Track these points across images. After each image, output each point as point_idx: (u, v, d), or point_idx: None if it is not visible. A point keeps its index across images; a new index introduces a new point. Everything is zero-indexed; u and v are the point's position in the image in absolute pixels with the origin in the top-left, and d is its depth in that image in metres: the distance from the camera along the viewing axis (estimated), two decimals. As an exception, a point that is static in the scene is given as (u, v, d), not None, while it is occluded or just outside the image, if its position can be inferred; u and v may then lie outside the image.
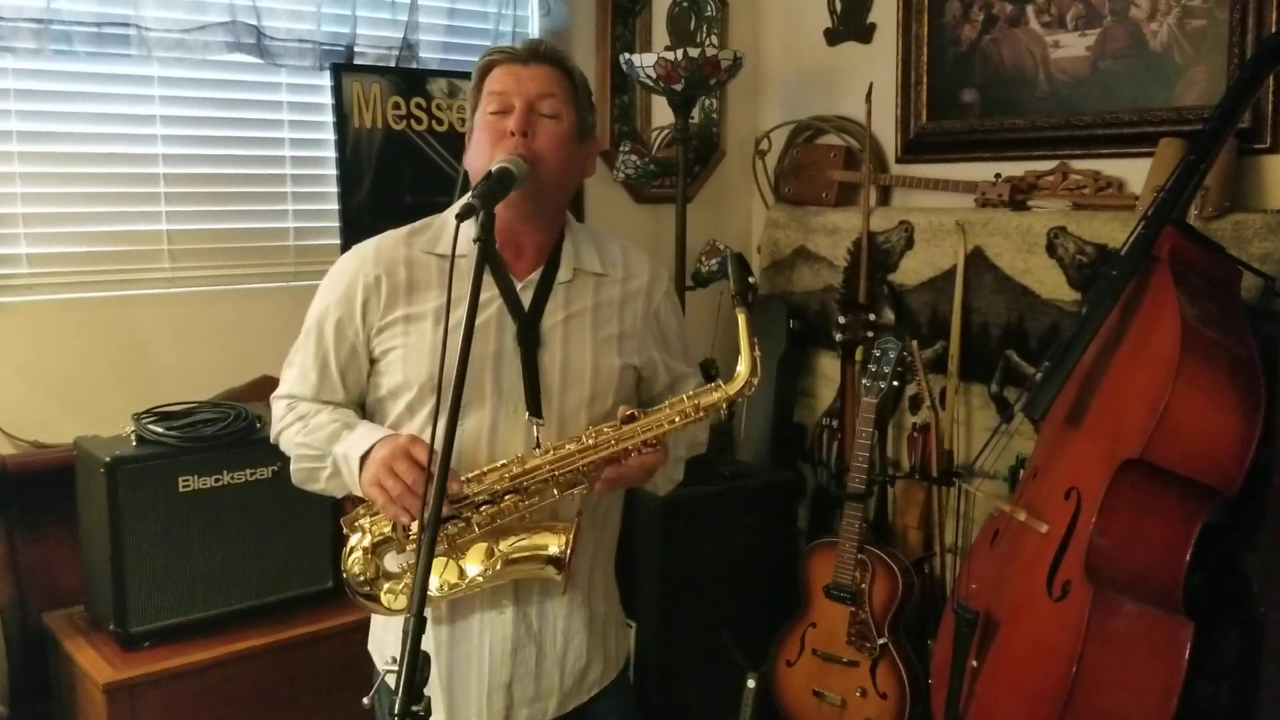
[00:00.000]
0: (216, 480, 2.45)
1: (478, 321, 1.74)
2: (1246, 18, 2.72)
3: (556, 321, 1.82)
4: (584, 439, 1.73)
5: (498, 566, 1.74)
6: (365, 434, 1.76)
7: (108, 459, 2.33)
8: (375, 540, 1.76)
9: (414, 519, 1.67)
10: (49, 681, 2.56)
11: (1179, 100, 2.87)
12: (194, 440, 2.44)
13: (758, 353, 1.71)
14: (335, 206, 2.95)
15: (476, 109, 1.82)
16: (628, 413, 1.73)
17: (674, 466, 1.91)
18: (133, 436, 2.44)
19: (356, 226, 2.87)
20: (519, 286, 1.82)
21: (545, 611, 1.85)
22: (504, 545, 1.74)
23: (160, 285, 2.78)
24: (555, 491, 1.73)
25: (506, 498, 1.72)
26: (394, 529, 1.74)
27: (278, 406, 1.91)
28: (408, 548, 1.74)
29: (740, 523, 3.23)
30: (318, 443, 1.80)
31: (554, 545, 1.74)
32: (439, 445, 1.43)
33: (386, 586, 1.77)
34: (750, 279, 1.74)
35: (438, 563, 1.73)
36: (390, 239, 1.86)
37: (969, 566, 2.67)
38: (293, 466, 1.86)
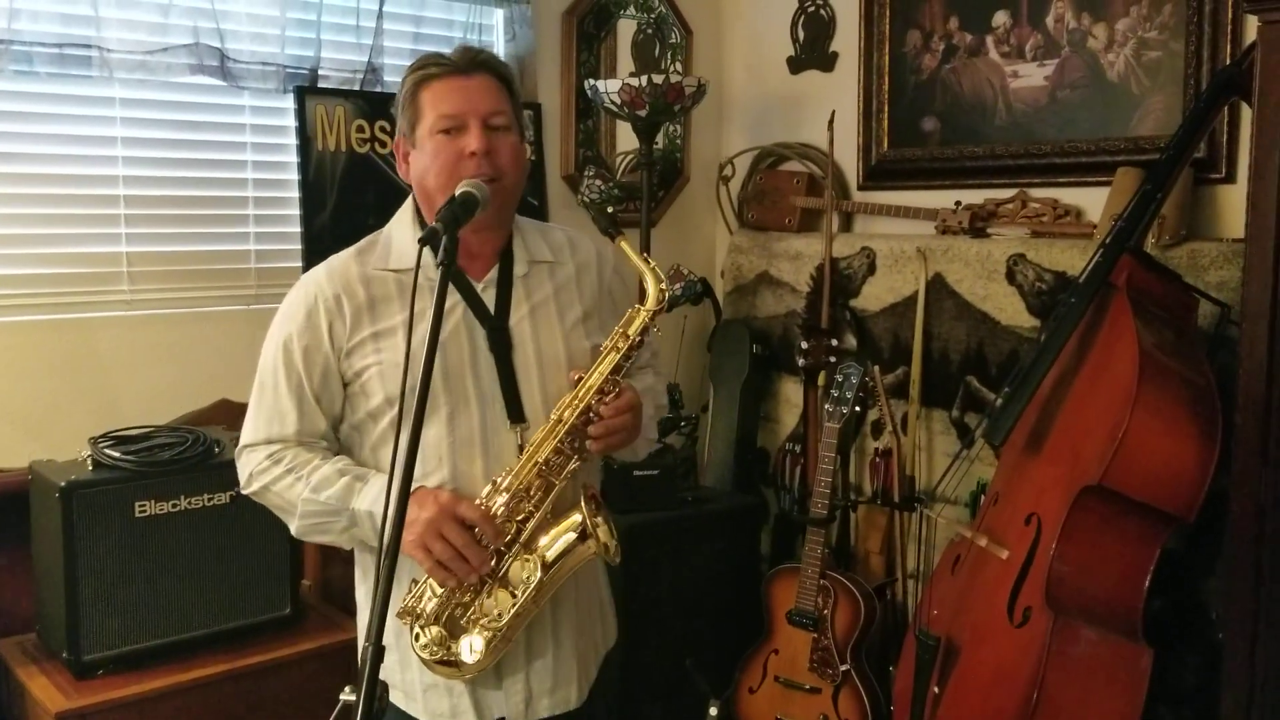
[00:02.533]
0: (174, 505, 2.42)
1: (447, 330, 1.78)
2: (1201, 50, 2.77)
3: (523, 315, 1.84)
4: (550, 421, 1.75)
5: (537, 573, 1.74)
6: (384, 490, 1.73)
7: (63, 483, 2.30)
8: (435, 611, 1.76)
9: (462, 584, 1.72)
10: (0, 710, 2.51)
11: (1136, 130, 2.92)
12: (151, 465, 2.41)
13: (653, 263, 1.79)
14: (297, 229, 2.93)
15: (416, 124, 1.81)
16: (575, 376, 1.78)
17: (649, 425, 1.93)
18: (89, 461, 2.41)
19: (318, 249, 2.84)
20: (479, 288, 1.84)
21: (559, 601, 1.84)
22: (536, 552, 1.76)
23: (119, 307, 2.75)
24: (555, 480, 1.75)
25: (519, 509, 1.75)
26: (445, 597, 1.76)
27: (253, 457, 1.82)
28: (468, 613, 1.76)
29: (703, 548, 3.23)
30: (331, 498, 1.75)
31: (574, 525, 1.76)
32: (401, 458, 1.43)
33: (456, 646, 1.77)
34: (609, 209, 1.81)
35: (490, 597, 1.76)
36: (339, 261, 1.86)
37: (930, 592, 2.68)
38: (299, 520, 1.79)
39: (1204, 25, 2.75)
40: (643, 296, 1.79)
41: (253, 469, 1.82)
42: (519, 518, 1.75)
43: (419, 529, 1.67)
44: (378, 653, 1.28)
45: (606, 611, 2.03)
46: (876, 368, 3.28)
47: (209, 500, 2.46)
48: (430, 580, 1.74)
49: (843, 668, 2.94)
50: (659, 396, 2.04)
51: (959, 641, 2.51)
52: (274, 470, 1.80)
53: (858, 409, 3.04)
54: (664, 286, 1.78)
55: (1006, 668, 2.37)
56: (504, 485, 1.74)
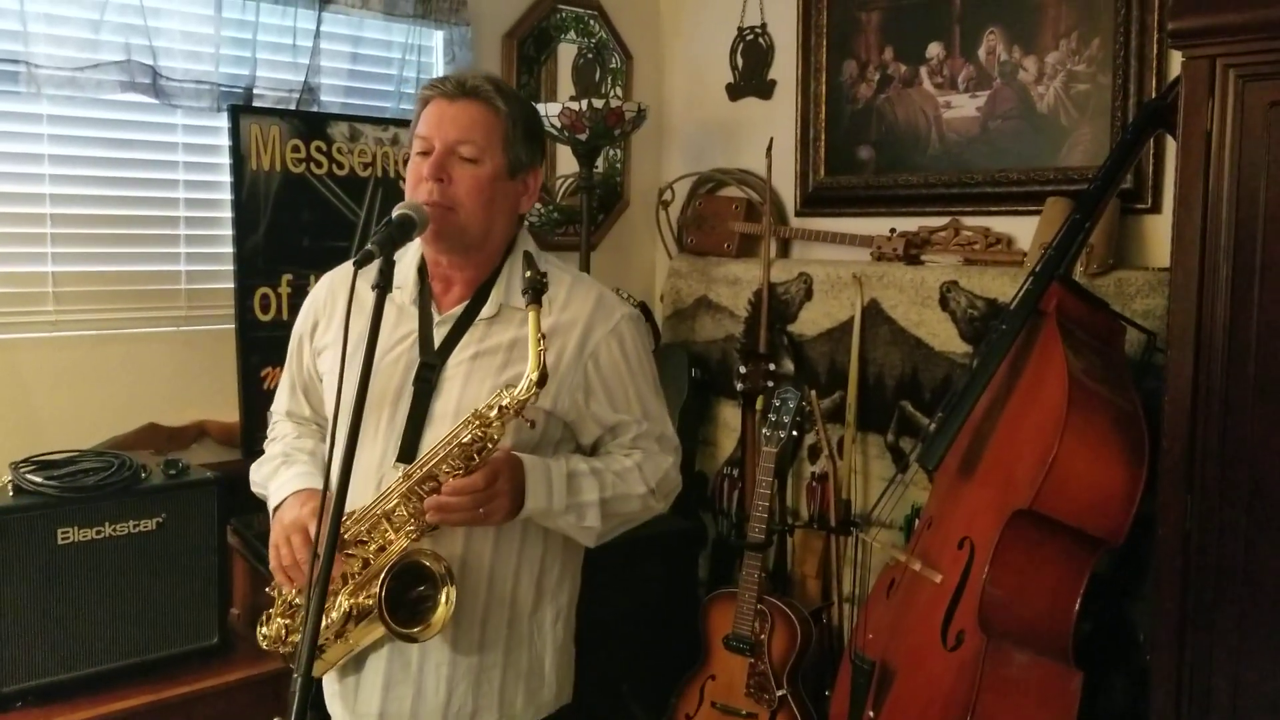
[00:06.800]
0: (98, 532, 2.36)
1: (391, 356, 1.80)
2: (1128, 83, 2.84)
3: (463, 359, 1.79)
4: (400, 474, 1.71)
5: (340, 616, 1.71)
6: (288, 481, 1.84)
7: (-19, 510, 2.23)
8: (284, 605, 1.85)
9: (291, 589, 1.80)
10: (-89, 745, 2.43)
11: (1065, 161, 2.98)
12: (74, 490, 2.34)
13: (542, 348, 1.64)
14: (230, 250, 2.88)
15: (412, 140, 1.84)
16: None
17: (572, 512, 1.79)
18: (10, 486, 2.34)
19: (251, 270, 2.81)
20: (437, 321, 1.81)
21: (427, 656, 1.80)
22: (359, 597, 1.72)
23: (44, 329, 2.68)
24: (395, 536, 1.71)
25: (365, 548, 1.73)
26: (273, 589, 1.84)
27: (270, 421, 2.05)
28: (276, 611, 1.85)
29: (641, 572, 3.22)
30: (261, 477, 1.93)
31: (372, 594, 1.69)
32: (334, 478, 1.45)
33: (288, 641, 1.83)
34: (542, 276, 1.69)
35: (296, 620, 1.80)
36: (347, 266, 1.84)
37: (865, 616, 2.69)
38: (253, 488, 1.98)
39: (1130, 60, 2.82)
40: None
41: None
42: (364, 555, 1.73)
43: (277, 527, 1.77)
44: (307, 684, 1.26)
45: (543, 684, 1.89)
46: (813, 392, 3.30)
47: (135, 527, 2.40)
48: None
49: (779, 693, 2.94)
50: (626, 485, 1.84)
51: (894, 665, 2.52)
52: (268, 435, 2.02)
53: (795, 433, 3.05)
54: (534, 378, 1.63)
55: (941, 691, 2.38)
56: (355, 518, 1.73)
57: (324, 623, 1.70)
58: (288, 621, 1.83)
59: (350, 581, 1.73)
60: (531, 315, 1.65)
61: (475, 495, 1.67)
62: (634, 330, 1.88)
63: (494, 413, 1.66)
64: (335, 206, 2.99)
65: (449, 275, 1.84)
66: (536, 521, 1.80)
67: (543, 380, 1.64)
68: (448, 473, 1.67)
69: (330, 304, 1.91)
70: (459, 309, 1.82)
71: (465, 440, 1.66)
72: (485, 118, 1.78)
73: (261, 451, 2.02)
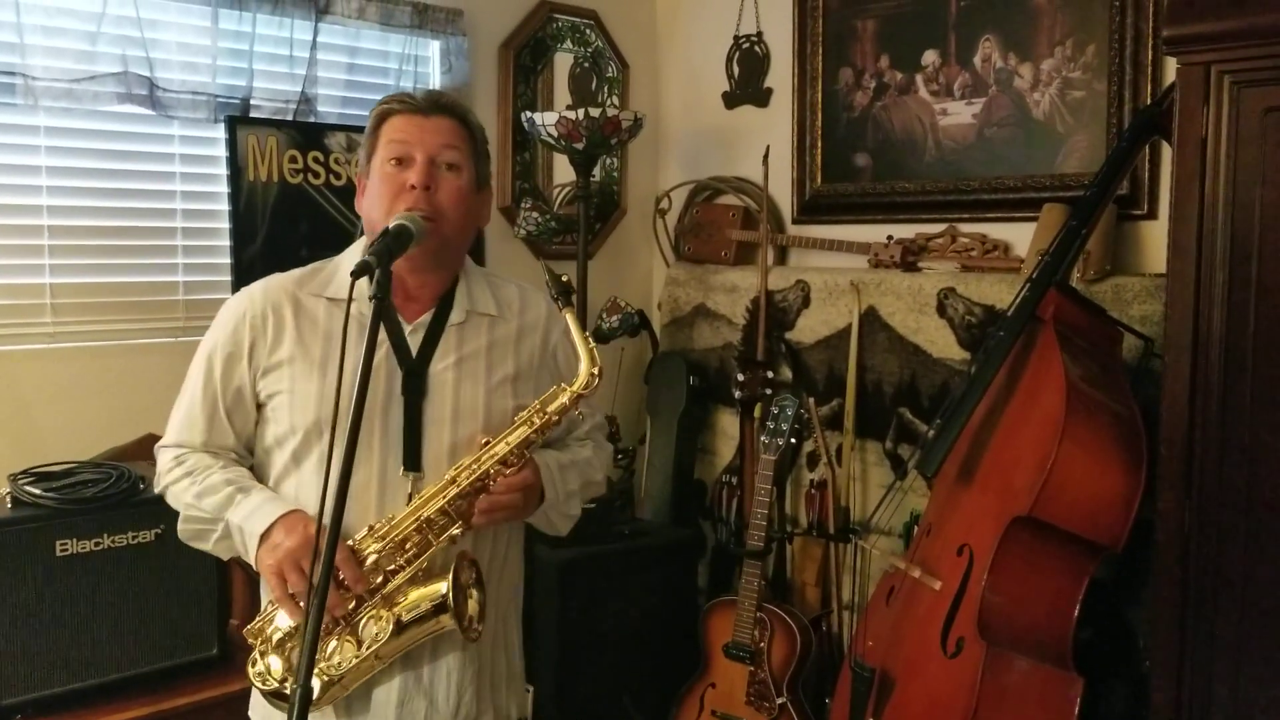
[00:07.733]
0: (97, 544, 2.36)
1: None
2: (1123, 90, 2.84)
3: (448, 364, 1.80)
4: (444, 480, 1.71)
5: (387, 631, 1.68)
6: (264, 506, 1.73)
7: (-20, 522, 2.23)
8: (279, 641, 1.74)
9: (299, 618, 1.68)
10: (-90, 758, 2.42)
11: (1061, 167, 2.98)
12: (73, 502, 2.34)
13: (592, 345, 1.75)
14: (227, 260, 2.89)
15: (372, 156, 1.81)
16: (483, 440, 1.74)
17: (566, 501, 1.88)
18: (8, 498, 2.34)
19: (249, 280, 2.72)
20: (408, 330, 1.81)
21: (437, 665, 1.80)
22: (394, 610, 1.70)
23: (42, 340, 2.69)
24: (433, 540, 1.69)
25: (390, 560, 1.70)
26: (252, 631, 1.76)
27: (164, 457, 1.85)
28: (267, 648, 1.75)
29: (641, 581, 3.21)
30: (210, 507, 1.76)
31: (435, 595, 1.69)
32: (329, 509, 1.41)
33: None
34: (563, 278, 1.79)
35: (337, 641, 1.70)
36: (277, 280, 1.87)
37: (865, 624, 2.69)
38: (180, 524, 1.82)
39: (1125, 66, 2.83)
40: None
41: (161, 469, 1.84)
42: (389, 568, 1.70)
43: (279, 556, 1.66)
44: (305, 695, 1.25)
45: (516, 683, 1.96)
46: (812, 400, 3.31)
47: (133, 538, 2.40)
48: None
49: (779, 700, 2.93)
50: (593, 472, 1.96)
51: (894, 673, 2.52)
52: (176, 472, 1.81)
53: (793, 441, 3.05)
54: (595, 371, 1.73)
55: (941, 698, 2.38)
56: (380, 533, 1.70)
57: (368, 645, 1.68)
58: (283, 661, 1.74)
59: (377, 596, 1.70)
60: (569, 315, 1.76)
61: (528, 490, 1.75)
62: None
63: (556, 406, 1.73)
64: (333, 217, 3.00)
65: (414, 292, 1.82)
66: (536, 515, 1.85)
67: (600, 373, 1.74)
68: (496, 473, 1.71)
69: (275, 320, 1.81)
70: (427, 317, 1.82)
71: (525, 436, 1.72)
72: (460, 130, 1.82)
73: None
